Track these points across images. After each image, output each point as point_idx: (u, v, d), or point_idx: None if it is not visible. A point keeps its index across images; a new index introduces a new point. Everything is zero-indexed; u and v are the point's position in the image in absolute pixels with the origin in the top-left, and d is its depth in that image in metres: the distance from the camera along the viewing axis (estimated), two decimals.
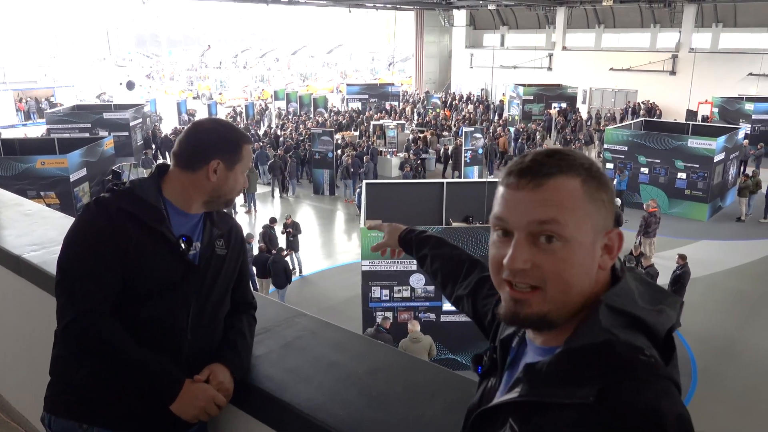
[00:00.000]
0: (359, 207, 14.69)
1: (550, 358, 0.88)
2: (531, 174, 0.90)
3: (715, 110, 26.68)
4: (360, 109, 33.53)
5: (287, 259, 12.58)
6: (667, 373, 0.84)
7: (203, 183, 1.73)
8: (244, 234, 2.11)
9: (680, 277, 10.83)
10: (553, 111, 30.75)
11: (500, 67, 38.74)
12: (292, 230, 13.61)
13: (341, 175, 20.07)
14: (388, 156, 22.54)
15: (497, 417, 0.92)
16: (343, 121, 30.14)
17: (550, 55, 38.56)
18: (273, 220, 13.73)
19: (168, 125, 30.65)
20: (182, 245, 1.71)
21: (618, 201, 15.49)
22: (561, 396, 0.83)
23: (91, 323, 1.59)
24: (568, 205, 0.89)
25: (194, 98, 47.25)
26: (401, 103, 36.25)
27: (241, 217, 17.60)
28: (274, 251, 12.55)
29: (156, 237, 1.67)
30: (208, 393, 1.65)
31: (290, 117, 32.29)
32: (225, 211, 1.94)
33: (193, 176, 1.73)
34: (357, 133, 27.25)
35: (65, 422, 1.70)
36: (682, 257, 11.09)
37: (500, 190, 0.95)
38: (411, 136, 25.07)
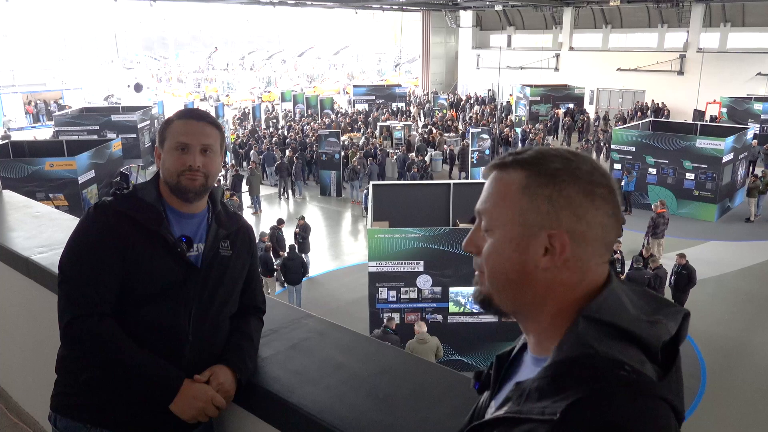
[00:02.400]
0: (366, 208, 14.70)
1: (536, 374, 0.87)
2: (490, 166, 0.98)
3: (724, 110, 26.53)
4: (367, 110, 33.53)
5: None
6: (655, 391, 0.80)
7: (161, 172, 1.75)
8: (256, 234, 2.09)
9: (690, 277, 10.76)
10: (560, 111, 30.67)
11: (507, 68, 38.71)
12: (299, 231, 13.64)
13: (348, 177, 20.10)
14: (395, 158, 22.47)
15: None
16: (359, 121, 30.18)
17: (557, 56, 38.46)
18: (281, 222, 13.76)
19: None
20: (182, 246, 1.70)
21: None
22: (534, 411, 0.81)
23: (88, 325, 1.60)
24: (498, 197, 0.93)
25: (201, 100, 47.38)
26: (412, 106, 36.30)
27: (247, 219, 17.64)
28: (281, 252, 12.61)
29: (155, 239, 1.67)
30: (208, 393, 1.64)
31: (296, 118, 32.31)
32: (235, 211, 1.93)
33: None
34: (360, 134, 27.19)
35: (70, 422, 1.71)
36: (682, 256, 11.02)
37: None
38: (418, 137, 25.10)
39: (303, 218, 14.13)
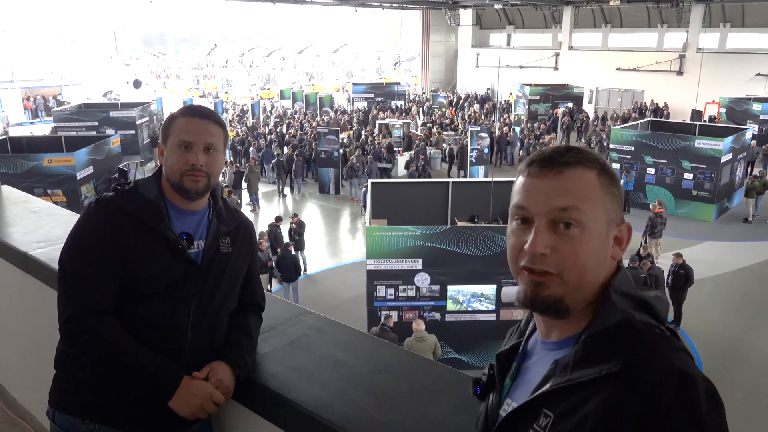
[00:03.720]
0: (364, 206, 14.69)
1: (576, 347, 0.93)
2: (552, 163, 0.97)
3: (723, 110, 26.55)
4: (366, 108, 33.46)
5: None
6: (683, 346, 0.90)
7: (163, 169, 1.75)
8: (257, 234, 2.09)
9: (687, 277, 10.77)
10: (559, 111, 30.66)
11: (506, 67, 38.68)
12: (296, 227, 13.63)
13: (346, 174, 20.07)
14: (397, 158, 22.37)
15: (528, 416, 0.95)
16: (354, 119, 30.03)
17: (557, 55, 38.44)
18: (278, 219, 13.75)
19: None
20: (182, 243, 1.70)
21: None
22: (589, 374, 0.87)
23: (87, 321, 1.60)
24: (586, 194, 0.95)
25: (200, 97, 47.27)
26: (411, 104, 36.26)
27: None
28: (279, 249, 12.59)
29: (155, 235, 1.66)
30: (206, 390, 1.65)
31: (295, 116, 32.23)
32: (234, 207, 1.93)
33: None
34: (352, 131, 27.03)
35: (69, 417, 1.71)
36: (679, 255, 11.03)
37: (521, 180, 1.00)
38: (421, 135, 25.10)
39: (296, 216, 14.14)
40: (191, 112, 1.74)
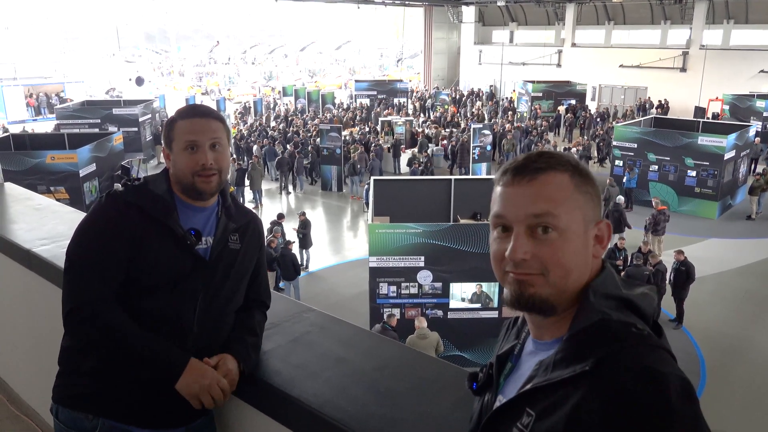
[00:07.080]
0: (367, 203, 14.68)
1: (558, 348, 0.96)
2: (524, 170, 1.00)
3: (726, 107, 26.46)
4: (368, 105, 33.39)
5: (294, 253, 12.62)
6: (661, 344, 0.91)
7: (172, 172, 1.76)
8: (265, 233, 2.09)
9: (688, 274, 10.74)
10: (562, 108, 30.57)
11: (509, 64, 38.64)
12: (299, 227, 13.63)
13: (348, 172, 20.05)
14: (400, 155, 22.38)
15: (512, 413, 0.97)
16: (357, 116, 29.95)
17: (560, 52, 38.36)
18: (281, 216, 13.75)
19: None
20: (191, 239, 1.70)
21: (622, 199, 15.36)
22: (566, 373, 0.90)
23: (89, 311, 1.60)
24: (559, 197, 0.97)
25: (203, 94, 47.32)
26: (413, 100, 36.20)
27: None
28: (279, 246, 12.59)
29: (163, 230, 1.67)
30: (214, 373, 1.65)
31: (298, 114, 32.18)
32: (243, 204, 1.93)
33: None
34: (356, 129, 27.01)
35: (72, 413, 1.71)
36: (680, 252, 11.01)
37: (497, 189, 1.04)
38: (423, 131, 25.10)
39: (303, 214, 14.12)
40: (190, 112, 1.75)
